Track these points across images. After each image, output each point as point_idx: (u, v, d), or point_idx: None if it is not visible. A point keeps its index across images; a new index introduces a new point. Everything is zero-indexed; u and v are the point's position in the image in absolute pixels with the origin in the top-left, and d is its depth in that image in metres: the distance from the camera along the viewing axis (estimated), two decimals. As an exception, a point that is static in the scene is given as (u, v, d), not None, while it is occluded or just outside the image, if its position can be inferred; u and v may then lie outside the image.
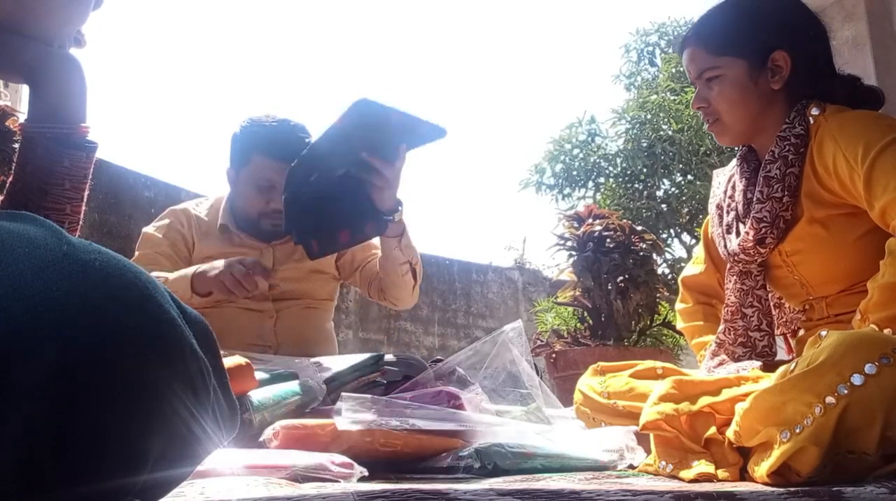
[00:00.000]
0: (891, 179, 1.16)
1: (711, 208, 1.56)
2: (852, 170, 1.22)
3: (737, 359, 1.40)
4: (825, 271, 1.33)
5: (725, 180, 1.52)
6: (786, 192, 1.32)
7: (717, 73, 1.38)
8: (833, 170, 1.26)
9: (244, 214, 2.01)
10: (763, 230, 1.34)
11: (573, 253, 3.53)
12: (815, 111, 1.32)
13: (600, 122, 10.15)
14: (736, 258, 1.43)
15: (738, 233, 1.42)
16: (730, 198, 1.48)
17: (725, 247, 1.47)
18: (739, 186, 1.43)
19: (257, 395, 1.31)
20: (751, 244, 1.37)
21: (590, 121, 10.12)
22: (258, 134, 1.95)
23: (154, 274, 1.80)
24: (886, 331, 1.09)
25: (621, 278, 3.41)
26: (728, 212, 1.47)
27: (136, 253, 2.01)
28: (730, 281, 1.46)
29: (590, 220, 3.55)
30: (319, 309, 2.11)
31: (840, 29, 3.32)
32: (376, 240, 1.95)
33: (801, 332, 1.45)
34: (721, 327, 1.47)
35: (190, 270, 1.85)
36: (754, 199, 1.36)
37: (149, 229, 2.06)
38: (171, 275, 1.86)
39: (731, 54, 1.37)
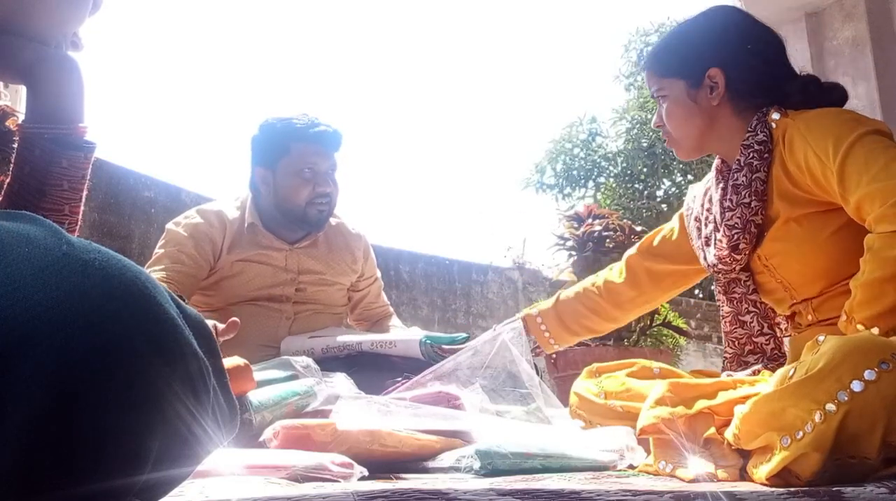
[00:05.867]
0: (863, 173, 1.17)
1: (688, 222, 1.60)
2: (824, 166, 1.24)
3: (747, 366, 1.40)
4: (804, 270, 1.34)
5: (702, 194, 1.56)
6: (753, 198, 1.35)
7: (663, 94, 1.45)
8: (805, 167, 1.28)
9: (290, 207, 2.04)
10: (735, 236, 1.38)
11: (573, 253, 3.53)
12: (775, 116, 1.36)
13: (601, 122, 10.15)
14: (716, 268, 1.45)
15: (715, 244, 1.45)
16: (707, 210, 1.51)
17: (706, 259, 1.50)
18: (716, 197, 1.47)
19: (257, 396, 1.31)
20: (726, 252, 1.40)
21: (590, 120, 10.13)
22: (292, 125, 2.03)
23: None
24: (873, 330, 1.09)
25: (621, 278, 3.41)
26: (706, 225, 1.51)
27: (160, 250, 2.00)
28: (720, 295, 1.48)
29: (589, 220, 3.55)
30: (333, 316, 2.17)
31: (840, 29, 3.31)
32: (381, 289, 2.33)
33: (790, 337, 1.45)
34: (724, 344, 1.48)
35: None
36: (725, 208, 1.40)
37: (175, 227, 2.04)
38: None
39: (671, 75, 1.44)
